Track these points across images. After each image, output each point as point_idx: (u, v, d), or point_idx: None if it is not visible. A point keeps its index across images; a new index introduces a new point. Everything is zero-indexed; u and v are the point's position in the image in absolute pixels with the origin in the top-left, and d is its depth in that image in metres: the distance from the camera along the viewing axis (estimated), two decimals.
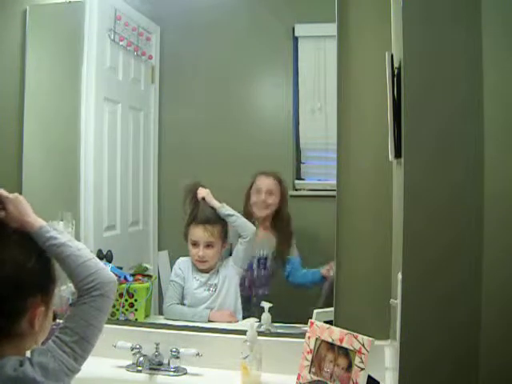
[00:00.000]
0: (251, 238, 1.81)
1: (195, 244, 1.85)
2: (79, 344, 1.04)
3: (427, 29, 1.06)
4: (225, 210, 1.83)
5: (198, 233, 1.84)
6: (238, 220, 1.83)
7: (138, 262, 1.94)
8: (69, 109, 1.99)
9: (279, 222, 1.86)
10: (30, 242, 1.08)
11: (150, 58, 1.98)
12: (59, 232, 1.11)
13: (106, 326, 1.12)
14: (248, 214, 1.86)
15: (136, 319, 1.82)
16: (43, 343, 1.09)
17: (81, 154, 1.94)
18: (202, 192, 1.85)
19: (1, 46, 1.97)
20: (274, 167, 1.86)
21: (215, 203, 1.84)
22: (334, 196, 1.66)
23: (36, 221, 1.11)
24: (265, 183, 1.86)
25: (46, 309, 1.06)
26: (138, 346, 1.67)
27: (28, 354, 1.04)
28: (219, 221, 1.84)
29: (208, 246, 1.84)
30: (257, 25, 1.89)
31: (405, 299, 1.09)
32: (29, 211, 1.12)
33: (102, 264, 1.11)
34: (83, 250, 1.11)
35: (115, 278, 1.12)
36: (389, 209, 1.58)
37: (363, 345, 1.37)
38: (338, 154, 1.66)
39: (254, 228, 1.82)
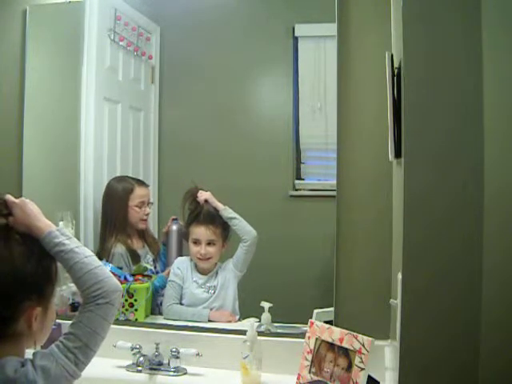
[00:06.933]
0: (252, 243, 1.80)
1: (196, 242, 1.85)
2: (82, 350, 1.04)
3: (427, 29, 1.06)
4: (227, 212, 1.83)
5: (200, 231, 1.84)
6: (239, 223, 1.82)
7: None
8: (69, 109, 1.99)
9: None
10: (32, 243, 1.08)
11: (150, 57, 1.98)
12: (67, 237, 1.10)
13: None
14: None
15: (136, 319, 1.82)
16: (45, 344, 1.09)
17: (81, 154, 1.94)
18: (204, 194, 1.85)
19: (1, 46, 1.98)
20: (274, 167, 1.86)
21: (219, 205, 1.84)
22: (334, 196, 1.66)
23: (45, 225, 1.10)
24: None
25: (43, 309, 1.05)
26: (137, 346, 1.67)
27: (29, 355, 1.04)
28: (221, 222, 1.84)
29: (209, 243, 1.84)
30: (257, 25, 1.89)
31: (405, 299, 1.09)
32: (37, 215, 1.11)
33: (108, 272, 1.11)
34: (90, 257, 1.10)
35: (121, 286, 1.12)
36: (389, 209, 1.58)
37: (363, 345, 1.37)
38: (337, 154, 1.66)
39: (255, 232, 1.80)
